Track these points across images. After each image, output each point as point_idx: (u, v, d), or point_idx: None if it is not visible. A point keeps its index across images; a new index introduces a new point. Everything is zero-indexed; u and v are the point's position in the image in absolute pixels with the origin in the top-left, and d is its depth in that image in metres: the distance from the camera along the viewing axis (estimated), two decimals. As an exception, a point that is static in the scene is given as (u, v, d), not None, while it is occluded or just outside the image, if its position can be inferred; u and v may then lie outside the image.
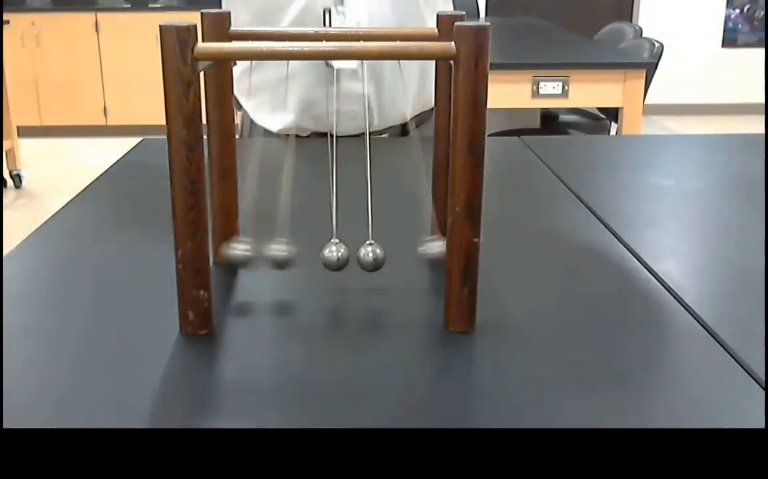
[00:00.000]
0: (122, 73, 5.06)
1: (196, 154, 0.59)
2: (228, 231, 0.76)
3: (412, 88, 1.35)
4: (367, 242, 0.69)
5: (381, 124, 1.38)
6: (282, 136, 1.36)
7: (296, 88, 1.29)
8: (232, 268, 0.76)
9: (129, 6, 5.12)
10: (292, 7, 1.24)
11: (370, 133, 1.37)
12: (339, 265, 0.68)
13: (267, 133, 1.39)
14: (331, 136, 1.32)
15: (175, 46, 0.57)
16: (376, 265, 0.69)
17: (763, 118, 5.39)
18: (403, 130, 1.41)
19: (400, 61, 1.22)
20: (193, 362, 0.60)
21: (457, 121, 0.59)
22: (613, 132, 3.26)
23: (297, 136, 1.36)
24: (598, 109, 3.29)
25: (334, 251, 0.68)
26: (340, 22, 1.25)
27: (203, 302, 0.62)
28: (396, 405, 0.54)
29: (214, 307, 0.64)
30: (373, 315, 0.67)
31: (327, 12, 1.24)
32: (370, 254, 0.68)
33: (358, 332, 0.64)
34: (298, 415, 0.53)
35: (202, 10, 0.73)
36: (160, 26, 0.57)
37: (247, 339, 0.63)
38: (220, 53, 0.63)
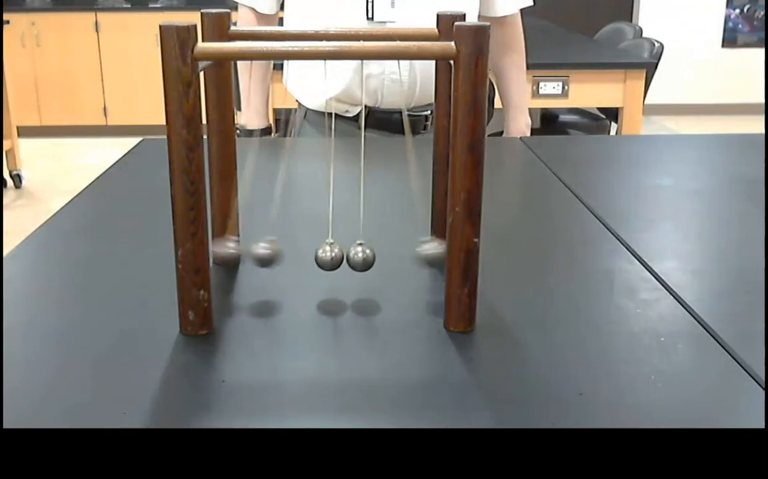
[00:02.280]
0: (122, 73, 5.05)
1: (196, 154, 0.59)
2: (228, 231, 0.76)
3: None
4: (357, 242, 0.69)
5: (421, 99, 1.40)
6: (325, 117, 1.43)
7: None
8: (232, 268, 0.76)
9: (129, 6, 5.11)
10: None
11: (410, 110, 1.41)
12: (333, 265, 0.68)
13: (315, 115, 1.45)
14: (332, 117, 1.35)
15: (175, 46, 0.57)
16: (365, 265, 0.68)
17: (763, 118, 5.38)
18: None
19: None
20: (193, 362, 0.60)
21: (457, 121, 0.59)
22: (613, 132, 3.26)
23: (338, 115, 1.41)
24: (598, 109, 3.29)
25: (327, 251, 0.68)
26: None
27: (203, 302, 0.62)
28: (396, 405, 0.54)
29: (214, 307, 0.64)
30: (373, 315, 0.67)
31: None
32: (360, 254, 0.68)
33: (358, 332, 0.64)
34: (297, 415, 0.53)
35: (202, 10, 0.73)
36: (160, 26, 0.57)
37: (247, 339, 0.63)
38: (220, 53, 0.63)
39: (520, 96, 1.57)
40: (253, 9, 1.45)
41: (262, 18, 1.46)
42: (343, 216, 0.83)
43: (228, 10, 0.74)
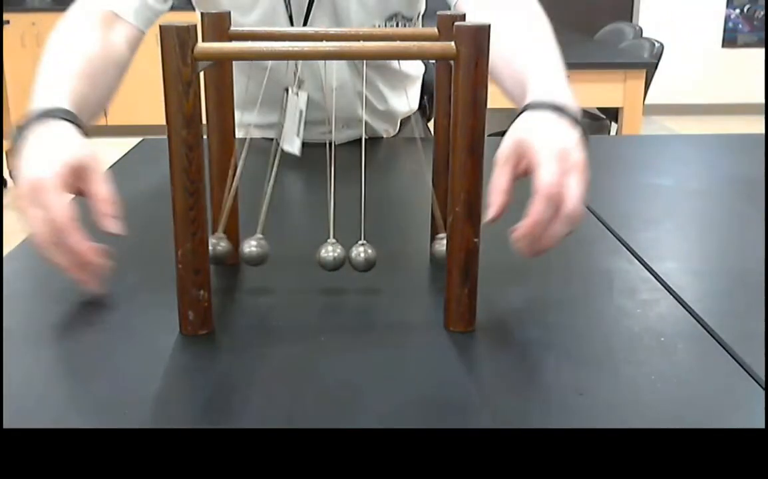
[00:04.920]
0: (122, 73, 5.05)
1: (196, 153, 0.59)
2: (227, 230, 0.76)
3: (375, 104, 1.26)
4: (359, 242, 0.69)
5: (339, 137, 1.26)
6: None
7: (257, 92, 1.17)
8: (232, 268, 0.76)
9: (129, 6, 5.12)
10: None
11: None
12: (335, 265, 0.68)
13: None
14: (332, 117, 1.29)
15: (175, 46, 0.57)
16: (367, 265, 0.68)
17: (763, 118, 5.38)
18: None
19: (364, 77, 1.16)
20: (193, 362, 0.59)
21: (456, 121, 0.59)
22: (613, 132, 3.26)
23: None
24: (598, 109, 3.29)
25: (330, 251, 0.68)
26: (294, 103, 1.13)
27: (203, 302, 0.62)
28: (396, 406, 0.54)
29: (214, 307, 0.64)
30: (373, 315, 0.67)
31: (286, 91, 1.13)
32: (362, 254, 0.68)
33: (358, 332, 0.64)
34: (298, 415, 0.53)
35: (202, 10, 0.73)
36: (160, 26, 0.57)
37: (247, 339, 0.63)
38: (219, 53, 0.63)
39: (539, 55, 0.80)
40: (114, 14, 0.98)
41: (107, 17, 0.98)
42: (344, 218, 0.83)
43: (228, 10, 0.74)
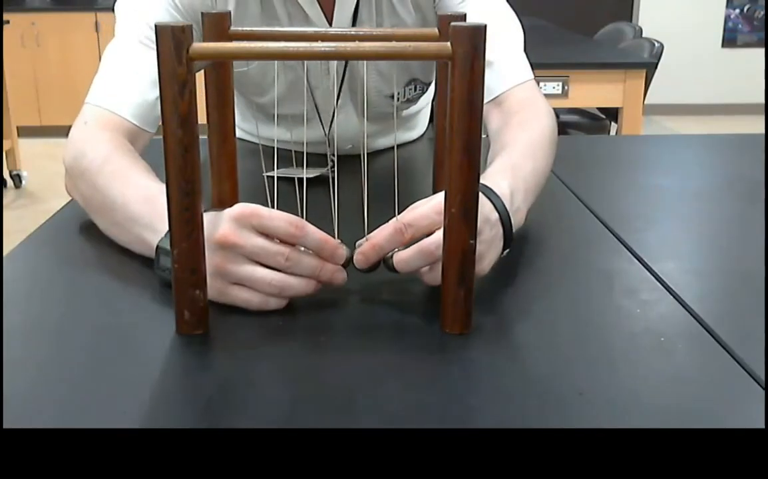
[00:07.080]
0: (122, 73, 5.04)
1: (192, 154, 0.59)
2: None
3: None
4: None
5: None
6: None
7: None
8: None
9: (129, 6, 5.11)
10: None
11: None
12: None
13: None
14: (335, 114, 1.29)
15: (171, 46, 0.57)
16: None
17: (763, 118, 5.38)
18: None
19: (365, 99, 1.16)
20: (189, 362, 0.59)
21: (453, 121, 0.59)
22: (613, 132, 3.26)
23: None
24: (598, 109, 3.29)
25: None
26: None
27: (199, 302, 0.62)
28: (393, 406, 0.54)
29: (210, 307, 0.64)
30: (370, 316, 0.67)
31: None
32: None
33: (354, 333, 0.64)
34: (295, 415, 0.52)
35: (202, 11, 0.72)
36: (156, 26, 0.57)
37: (243, 339, 0.62)
38: (215, 53, 0.62)
39: (509, 141, 0.87)
40: (120, 117, 0.90)
41: (131, 131, 0.90)
42: (347, 220, 0.83)
43: (229, 10, 0.73)
